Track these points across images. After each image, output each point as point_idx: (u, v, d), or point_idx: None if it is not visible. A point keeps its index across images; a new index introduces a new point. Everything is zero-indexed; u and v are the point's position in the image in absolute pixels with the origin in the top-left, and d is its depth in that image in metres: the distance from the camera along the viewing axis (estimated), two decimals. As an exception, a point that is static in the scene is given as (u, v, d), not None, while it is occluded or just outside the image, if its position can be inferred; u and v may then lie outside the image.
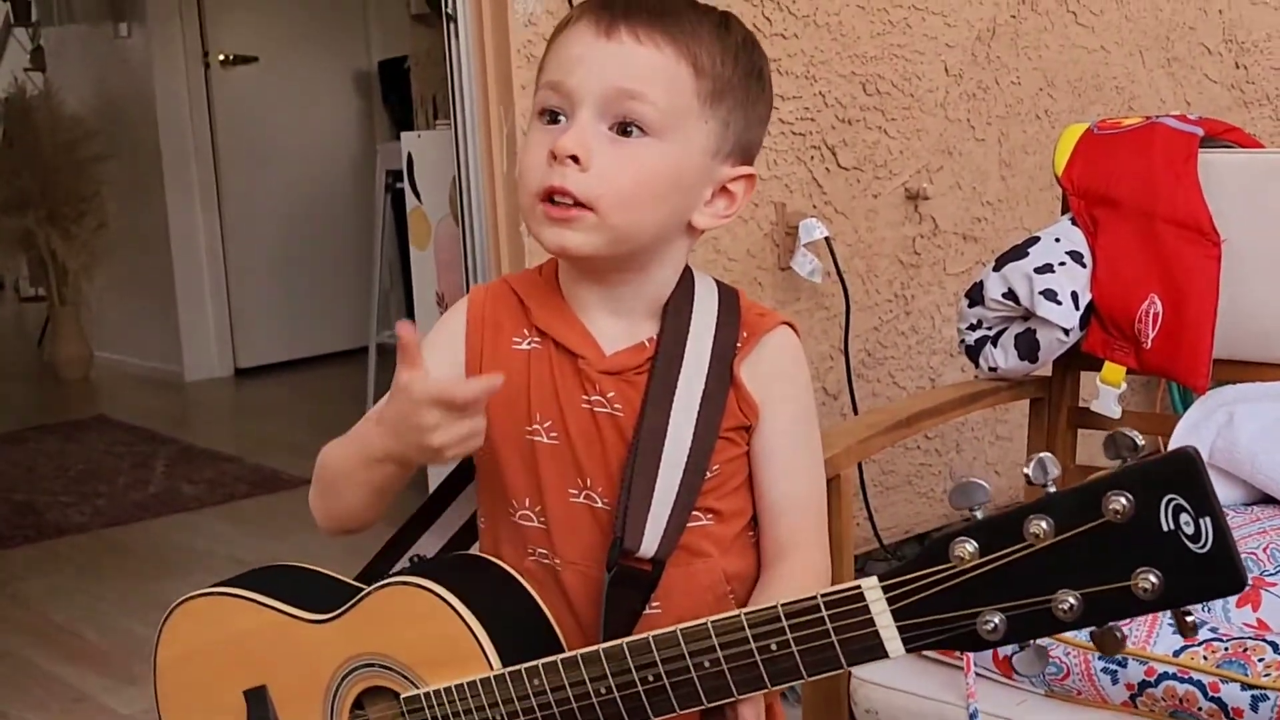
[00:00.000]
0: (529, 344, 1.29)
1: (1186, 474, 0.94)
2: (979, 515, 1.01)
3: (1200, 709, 1.51)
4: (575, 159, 1.19)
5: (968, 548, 1.00)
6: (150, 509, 4.03)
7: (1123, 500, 0.94)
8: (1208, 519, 0.93)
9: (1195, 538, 0.93)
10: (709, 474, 1.24)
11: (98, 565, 3.59)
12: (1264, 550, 1.78)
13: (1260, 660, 1.50)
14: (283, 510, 3.89)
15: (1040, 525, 0.97)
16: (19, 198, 5.83)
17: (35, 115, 5.97)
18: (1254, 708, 1.48)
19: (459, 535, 1.40)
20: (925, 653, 1.69)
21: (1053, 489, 0.98)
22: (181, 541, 3.74)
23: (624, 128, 1.21)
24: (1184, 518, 0.94)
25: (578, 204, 1.20)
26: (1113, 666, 1.56)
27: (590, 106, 1.20)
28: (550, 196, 1.21)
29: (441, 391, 1.13)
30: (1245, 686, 1.49)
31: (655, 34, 1.21)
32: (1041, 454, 1.01)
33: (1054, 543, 0.97)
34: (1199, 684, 1.51)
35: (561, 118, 1.22)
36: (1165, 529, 0.94)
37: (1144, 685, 1.54)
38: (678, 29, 1.22)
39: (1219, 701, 1.50)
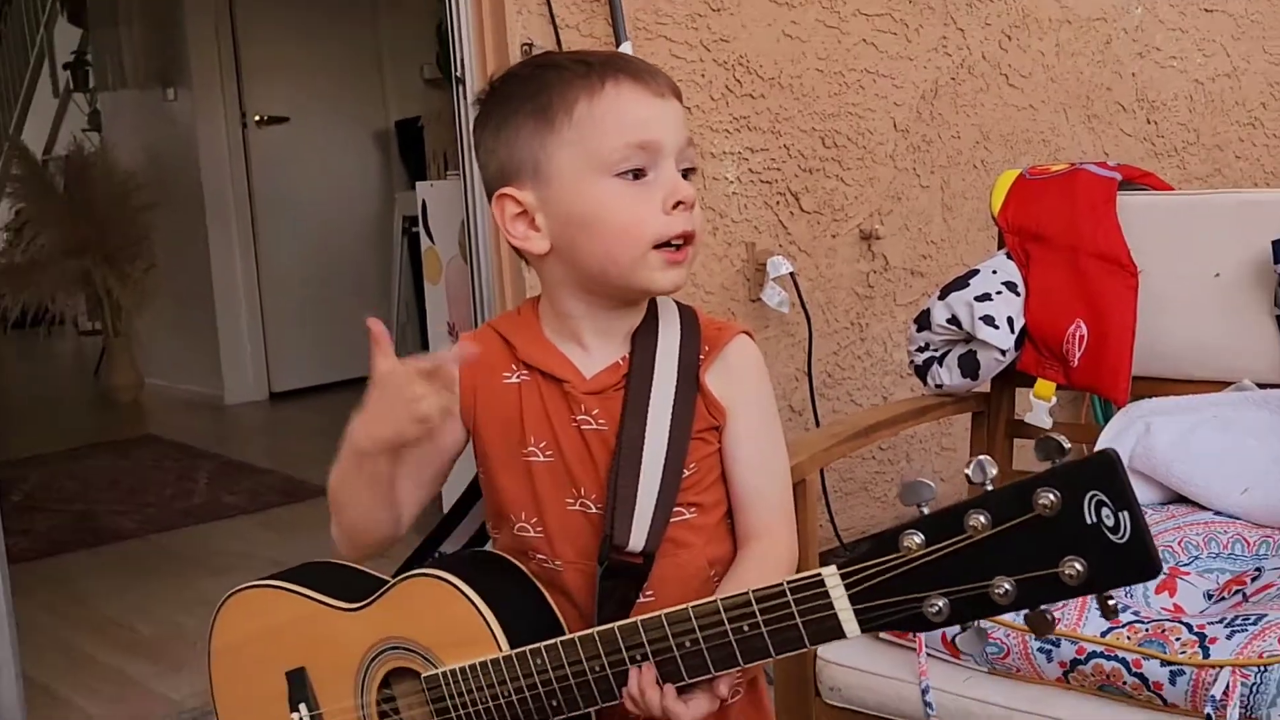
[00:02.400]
0: (518, 377, 1.28)
1: (1107, 473, 0.94)
2: (925, 510, 1.01)
3: (1125, 683, 1.52)
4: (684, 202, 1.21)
5: (915, 539, 1.00)
6: (194, 516, 4.02)
7: (1051, 496, 0.95)
8: (1126, 513, 0.94)
9: (1115, 529, 0.94)
10: (687, 472, 1.23)
11: (147, 566, 3.58)
12: (1179, 544, 1.79)
13: (1177, 640, 1.50)
14: (312, 517, 3.87)
15: (979, 519, 0.97)
16: (78, 243, 5.82)
17: (92, 170, 5.97)
18: (1172, 681, 1.48)
19: (472, 542, 1.40)
20: (881, 636, 1.70)
21: (990, 487, 0.98)
22: (222, 545, 3.72)
23: (686, 171, 1.23)
24: (1105, 512, 0.94)
25: (689, 241, 1.22)
26: (1047, 646, 1.57)
27: (671, 156, 1.21)
28: (670, 241, 1.20)
29: (427, 364, 1.14)
30: (1164, 663, 1.49)
31: (674, 89, 1.24)
32: (980, 456, 1.01)
33: (991, 534, 0.97)
34: (1124, 661, 1.51)
35: (644, 175, 1.20)
36: (1089, 522, 0.94)
37: (1075, 663, 1.55)
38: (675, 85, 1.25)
39: (1141, 676, 1.50)
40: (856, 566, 1.04)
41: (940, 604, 1.01)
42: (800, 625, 1.06)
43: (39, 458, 4.79)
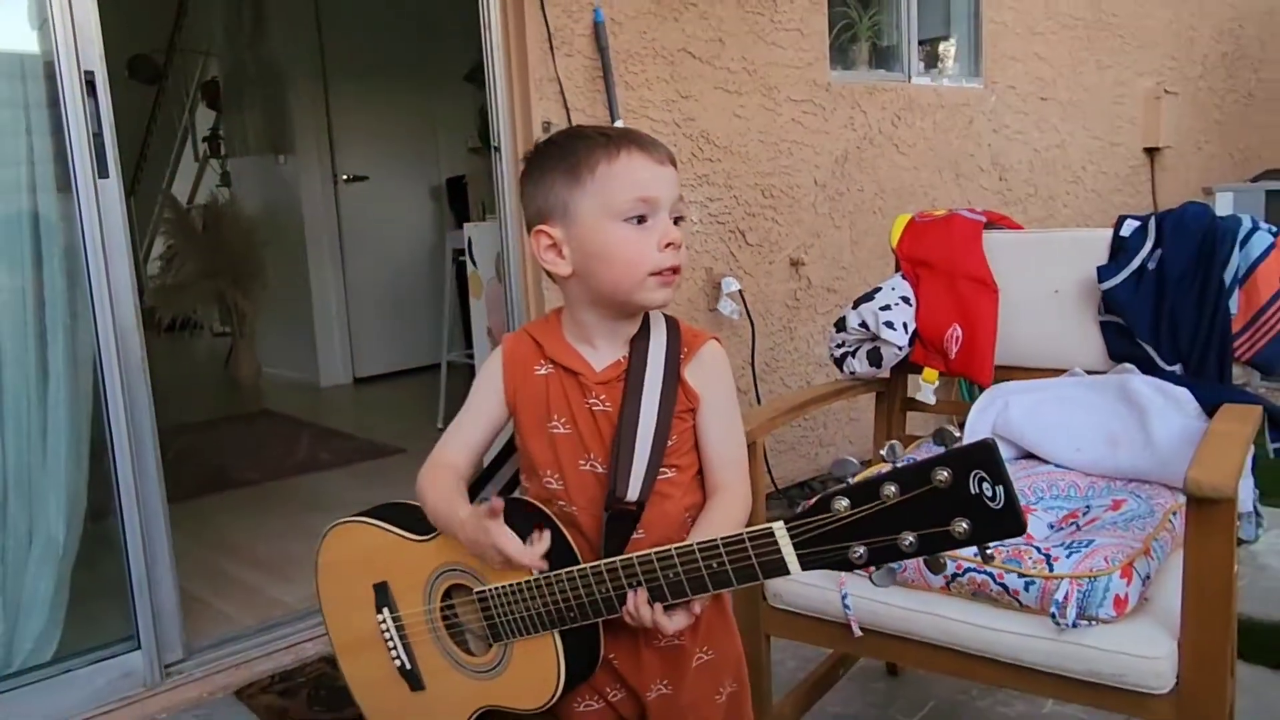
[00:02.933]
0: (545, 369, 1.26)
1: (988, 456, 0.94)
2: (850, 481, 1.01)
3: (992, 591, 1.50)
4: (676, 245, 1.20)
5: (843, 503, 1.00)
6: (298, 469, 3.98)
7: (945, 473, 0.95)
8: (1001, 486, 0.94)
9: (993, 499, 0.94)
10: (670, 442, 1.22)
11: (265, 506, 3.54)
12: (1029, 488, 1.78)
13: (1030, 558, 1.49)
14: (386, 468, 3.85)
15: (890, 489, 0.98)
16: (212, 269, 5.80)
17: (224, 216, 5.94)
18: (1026, 589, 1.47)
19: (507, 487, 1.39)
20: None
21: (899, 465, 0.98)
22: (319, 490, 3.69)
23: (676, 219, 1.22)
24: (985, 485, 0.94)
25: (676, 271, 1.21)
26: (934, 565, 1.56)
27: (666, 209, 1.20)
28: (660, 272, 1.20)
29: (512, 556, 1.14)
30: (1020, 576, 1.48)
31: (671, 158, 1.22)
32: (893, 441, 1.01)
33: (899, 500, 0.97)
34: (990, 574, 1.50)
35: (645, 220, 1.19)
36: (973, 492, 0.94)
37: (955, 576, 1.53)
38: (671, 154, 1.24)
39: (1004, 585, 1.49)
40: (798, 523, 1.04)
41: (861, 551, 1.01)
42: (756, 564, 1.07)
43: (186, 426, 4.74)
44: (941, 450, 0.96)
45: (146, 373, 2.23)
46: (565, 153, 1.21)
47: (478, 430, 1.29)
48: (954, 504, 0.95)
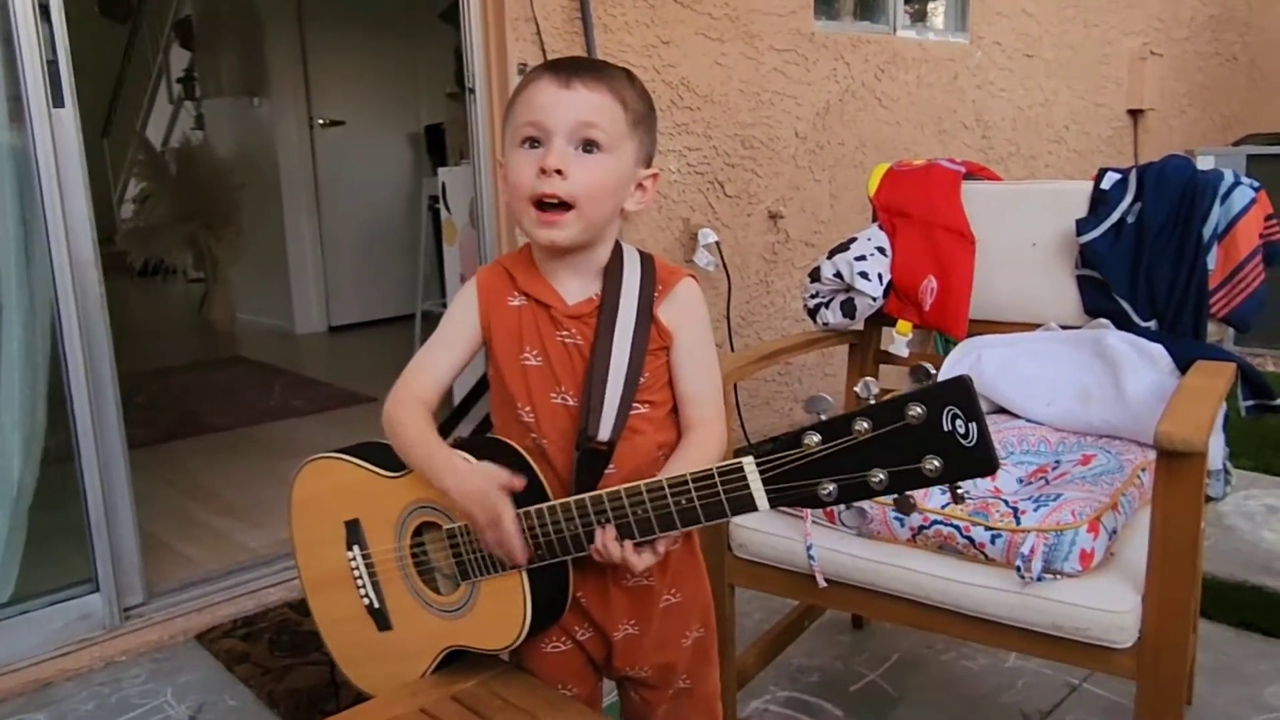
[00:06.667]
0: (518, 301, 1.23)
1: (962, 392, 0.91)
2: (823, 418, 0.97)
3: (958, 544, 1.48)
4: (559, 171, 1.13)
5: (814, 438, 0.97)
6: (271, 415, 3.94)
7: (918, 409, 0.91)
8: (974, 424, 0.91)
9: (965, 436, 0.91)
10: (642, 379, 1.19)
11: (237, 451, 3.50)
12: (999, 442, 1.74)
13: (997, 512, 1.47)
14: (358, 416, 3.82)
15: (862, 425, 0.94)
16: (186, 213, 5.70)
17: (197, 159, 5.83)
18: (992, 542, 1.45)
19: (479, 427, 1.35)
20: (781, 508, 1.66)
21: (872, 401, 0.95)
22: (291, 436, 3.65)
23: (586, 147, 1.15)
24: (958, 422, 0.91)
25: (562, 204, 1.14)
26: (900, 515, 1.53)
27: (562, 135, 1.14)
28: (539, 201, 1.14)
29: (508, 539, 1.12)
30: (987, 529, 1.46)
31: (597, 83, 1.15)
32: (867, 378, 0.97)
33: (871, 437, 0.94)
34: (957, 527, 1.48)
35: (539, 145, 1.15)
36: (945, 430, 0.91)
37: (921, 528, 1.51)
38: (608, 79, 1.17)
39: (970, 538, 1.47)
40: (768, 458, 1.00)
41: (831, 488, 0.97)
42: (724, 500, 1.03)
43: (157, 370, 4.68)
44: (916, 388, 0.93)
45: (105, 309, 2.16)
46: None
47: (449, 359, 1.25)
48: (926, 441, 0.92)
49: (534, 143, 1.15)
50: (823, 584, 1.59)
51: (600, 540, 1.10)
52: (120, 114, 7.35)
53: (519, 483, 1.12)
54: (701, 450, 1.18)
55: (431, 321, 4.29)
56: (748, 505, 1.02)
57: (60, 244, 2.09)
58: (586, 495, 1.11)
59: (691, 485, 1.05)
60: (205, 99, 6.22)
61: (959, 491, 0.96)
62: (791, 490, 1.00)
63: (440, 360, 1.24)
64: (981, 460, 0.91)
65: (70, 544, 2.25)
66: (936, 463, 0.92)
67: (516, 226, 2.78)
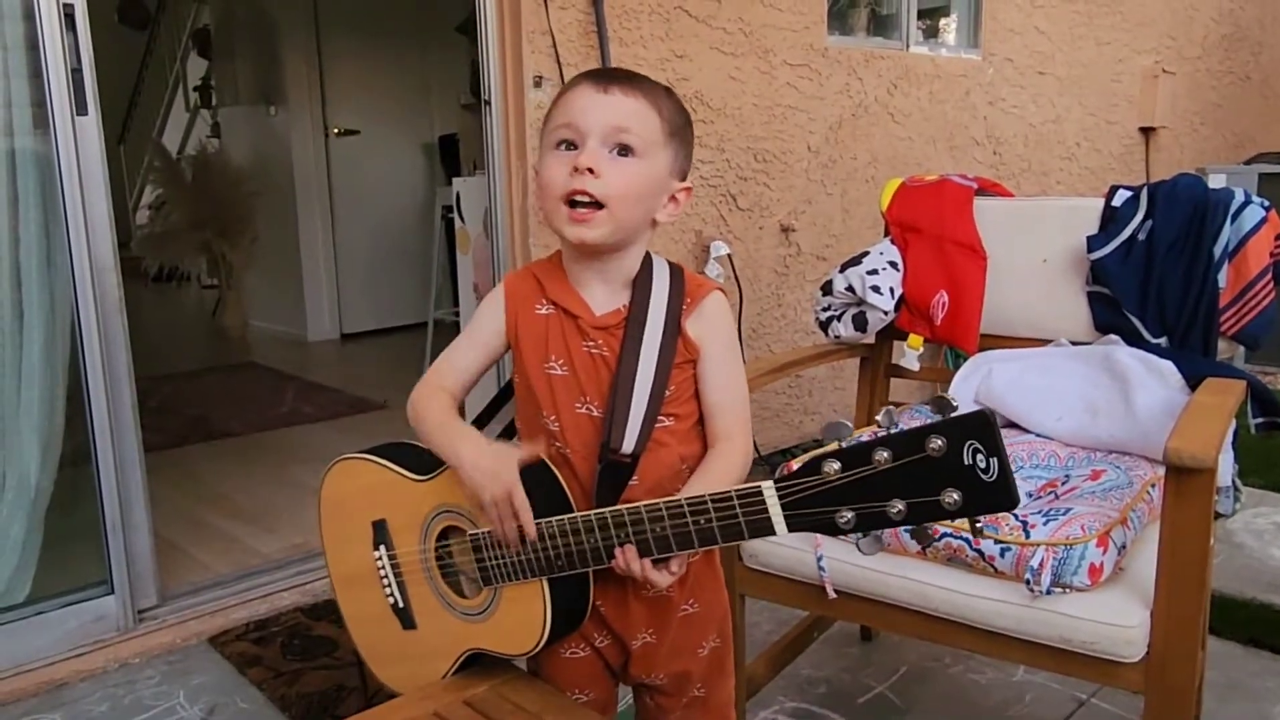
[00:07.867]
0: (546, 309, 1.24)
1: (984, 427, 0.91)
2: (842, 444, 0.97)
3: (968, 556, 1.49)
4: (591, 170, 1.14)
5: (834, 466, 0.97)
6: (283, 421, 3.96)
7: (939, 441, 0.91)
8: (995, 459, 0.90)
9: (986, 470, 0.91)
10: (668, 392, 1.19)
11: (249, 457, 3.52)
12: (1009, 457, 1.76)
13: (1007, 525, 1.47)
14: (369, 423, 3.84)
15: (883, 454, 0.94)
16: (201, 220, 5.74)
17: (212, 166, 5.87)
18: (1002, 555, 1.46)
19: (504, 433, 1.37)
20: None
21: (894, 431, 0.95)
22: (303, 442, 3.67)
23: (620, 150, 1.16)
24: (979, 456, 0.91)
25: (594, 203, 1.15)
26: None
27: (596, 137, 1.15)
28: (571, 199, 1.15)
29: (522, 515, 1.13)
30: (996, 542, 1.46)
31: (634, 90, 1.17)
32: (889, 406, 0.97)
33: (891, 467, 0.94)
34: (966, 540, 1.49)
35: (574, 147, 1.16)
36: (966, 463, 0.91)
37: (931, 541, 1.52)
38: (646, 89, 1.18)
39: (979, 551, 1.48)
40: (787, 484, 1.01)
41: (849, 516, 0.97)
42: (742, 523, 1.04)
43: (171, 375, 4.71)
44: (938, 419, 0.93)
45: (123, 314, 2.19)
46: None
47: (474, 358, 1.26)
48: (946, 474, 0.91)
49: (569, 145, 1.16)
50: (832, 595, 1.60)
51: (622, 559, 1.11)
52: (137, 121, 7.41)
53: (539, 449, 1.13)
54: (727, 464, 1.18)
55: (443, 330, 4.31)
56: (766, 529, 1.02)
57: (81, 249, 2.11)
58: (607, 511, 1.12)
59: (711, 507, 1.05)
60: (221, 107, 6.27)
61: (979, 527, 0.96)
62: (809, 517, 1.00)
63: (466, 358, 1.26)
64: (1001, 496, 0.91)
65: (85, 546, 2.27)
66: (955, 496, 0.91)
67: (530, 235, 2.79)
